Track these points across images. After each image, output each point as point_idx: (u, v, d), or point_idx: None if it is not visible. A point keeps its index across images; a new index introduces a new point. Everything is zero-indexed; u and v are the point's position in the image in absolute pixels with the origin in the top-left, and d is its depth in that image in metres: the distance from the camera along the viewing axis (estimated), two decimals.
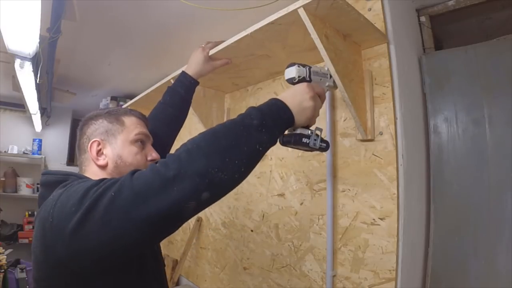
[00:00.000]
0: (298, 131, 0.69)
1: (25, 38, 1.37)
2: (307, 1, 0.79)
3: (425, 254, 1.09)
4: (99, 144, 0.72)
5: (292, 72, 0.76)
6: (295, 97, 0.67)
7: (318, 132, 0.72)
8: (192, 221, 1.96)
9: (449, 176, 1.09)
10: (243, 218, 1.53)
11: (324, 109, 1.16)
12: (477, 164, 1.03)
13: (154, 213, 0.47)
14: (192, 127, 2.08)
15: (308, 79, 0.76)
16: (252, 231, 1.47)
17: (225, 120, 1.66)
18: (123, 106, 2.41)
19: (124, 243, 0.49)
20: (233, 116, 0.69)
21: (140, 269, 0.64)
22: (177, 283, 1.96)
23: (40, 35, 1.32)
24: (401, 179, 0.95)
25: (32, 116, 3.18)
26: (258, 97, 1.52)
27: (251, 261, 1.46)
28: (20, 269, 2.61)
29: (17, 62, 1.63)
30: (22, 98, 2.54)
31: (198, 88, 1.59)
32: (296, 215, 1.25)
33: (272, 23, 0.93)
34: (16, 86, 2.23)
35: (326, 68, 0.85)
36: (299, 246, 1.22)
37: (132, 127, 0.75)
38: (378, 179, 0.99)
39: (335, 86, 0.88)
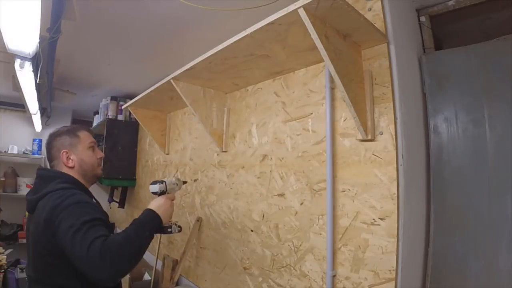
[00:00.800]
0: (165, 225, 1.11)
1: (25, 38, 1.37)
2: (307, 1, 0.79)
3: (425, 254, 1.09)
4: (67, 153, 1.12)
5: (155, 188, 1.18)
6: (161, 208, 1.08)
7: (175, 222, 1.16)
8: (192, 221, 1.97)
9: (449, 176, 1.09)
10: (243, 218, 1.53)
11: (324, 109, 1.16)
12: (477, 164, 1.03)
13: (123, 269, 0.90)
14: (192, 127, 2.08)
15: (166, 191, 1.19)
16: (252, 231, 1.47)
17: (224, 120, 1.68)
18: (123, 106, 2.41)
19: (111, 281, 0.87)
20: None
21: None
22: (177, 283, 1.96)
23: (40, 35, 1.32)
24: (401, 179, 0.95)
25: (32, 116, 3.18)
26: (258, 97, 1.52)
27: (251, 261, 1.46)
28: (20, 269, 2.62)
29: (17, 62, 1.63)
30: (22, 98, 2.54)
31: (198, 88, 1.60)
32: (296, 215, 1.25)
33: (272, 23, 0.93)
34: (16, 86, 2.24)
35: (174, 179, 1.26)
36: (299, 246, 1.22)
37: (85, 138, 1.17)
38: (378, 179, 0.99)
39: (178, 186, 1.29)
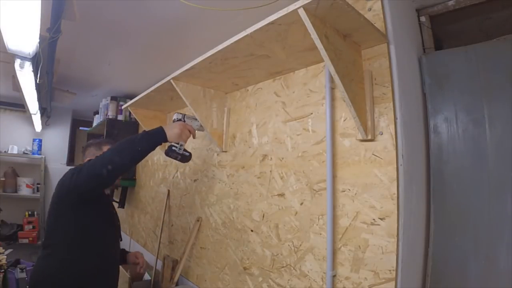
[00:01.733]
0: (171, 144, 1.24)
1: (25, 38, 1.37)
2: (307, 1, 0.79)
3: (425, 254, 1.09)
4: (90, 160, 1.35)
5: (174, 116, 1.41)
6: (170, 126, 1.27)
7: (182, 144, 1.26)
8: (192, 221, 1.97)
9: (449, 176, 1.09)
10: (243, 218, 1.53)
11: (324, 109, 1.16)
12: (477, 164, 1.03)
13: (94, 173, 1.13)
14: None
15: (183, 120, 1.37)
16: (252, 231, 1.47)
17: (224, 120, 1.68)
18: (123, 106, 2.41)
19: (87, 186, 1.16)
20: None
21: (98, 211, 1.32)
22: (177, 283, 1.96)
23: (40, 35, 1.32)
24: (401, 179, 0.95)
25: (32, 116, 3.19)
26: (258, 97, 1.52)
27: (251, 261, 1.46)
28: (20, 269, 2.61)
29: (17, 62, 1.63)
30: (22, 98, 2.54)
31: (198, 88, 1.60)
32: (296, 215, 1.25)
33: (272, 23, 0.92)
34: (16, 86, 2.24)
35: (194, 116, 1.45)
36: (299, 246, 1.22)
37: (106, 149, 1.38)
38: (378, 179, 0.99)
39: (201, 128, 1.47)
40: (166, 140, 1.23)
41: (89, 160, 1.23)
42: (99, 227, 1.30)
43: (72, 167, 1.29)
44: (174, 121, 1.32)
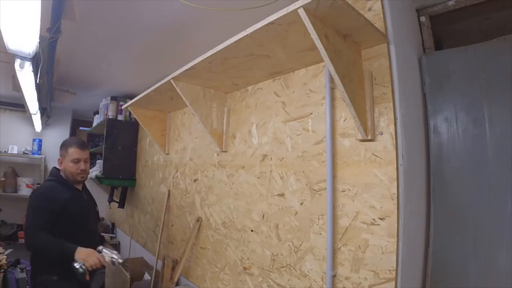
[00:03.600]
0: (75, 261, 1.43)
1: (25, 38, 1.37)
2: (307, 1, 0.79)
3: (425, 254, 1.09)
4: (60, 160, 1.67)
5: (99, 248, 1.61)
6: (84, 250, 1.47)
7: (84, 265, 1.43)
8: (192, 221, 1.97)
9: (449, 176, 1.09)
10: (243, 218, 1.53)
11: (324, 109, 1.16)
12: (477, 164, 1.03)
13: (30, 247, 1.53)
14: (192, 127, 2.08)
15: (99, 252, 1.54)
16: (252, 231, 1.47)
17: (224, 120, 1.68)
18: (123, 106, 2.42)
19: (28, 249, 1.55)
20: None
21: (67, 221, 1.55)
22: (177, 283, 1.96)
23: (40, 35, 1.32)
24: (401, 179, 0.95)
25: (32, 116, 3.19)
26: (258, 97, 1.52)
27: (251, 261, 1.46)
28: (20, 269, 2.61)
29: (17, 62, 1.63)
30: (22, 98, 2.54)
31: (198, 88, 1.60)
32: (296, 215, 1.25)
33: (272, 23, 0.92)
34: (16, 86, 2.24)
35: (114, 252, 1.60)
36: (299, 246, 1.22)
37: (72, 154, 1.62)
38: (378, 179, 0.99)
39: (115, 262, 1.56)
40: (73, 258, 1.43)
41: (59, 159, 1.66)
42: (73, 234, 1.52)
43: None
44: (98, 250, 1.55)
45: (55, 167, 1.68)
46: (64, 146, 1.65)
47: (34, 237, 1.44)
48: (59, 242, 1.44)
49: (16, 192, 3.64)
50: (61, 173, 1.64)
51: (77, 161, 1.62)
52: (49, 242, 1.43)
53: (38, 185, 3.82)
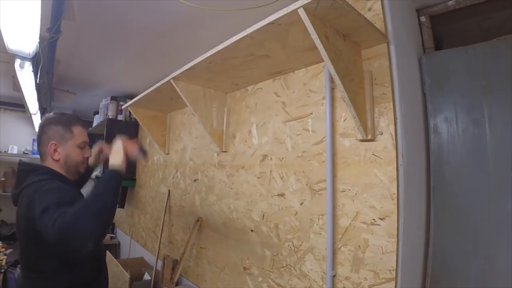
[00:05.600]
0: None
1: (25, 38, 1.37)
2: (307, 1, 0.79)
3: (425, 254, 1.09)
4: (55, 145, 1.11)
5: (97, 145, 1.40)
6: (116, 161, 1.07)
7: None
8: (192, 221, 1.97)
9: (449, 176, 1.09)
10: (243, 218, 1.53)
11: (324, 109, 1.16)
12: (477, 164, 1.03)
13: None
14: (192, 127, 2.08)
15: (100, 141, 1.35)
16: (252, 231, 1.47)
17: (224, 120, 1.68)
18: (123, 106, 2.41)
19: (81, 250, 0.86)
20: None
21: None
22: (177, 283, 1.96)
23: (40, 35, 1.32)
24: (401, 179, 0.95)
25: (32, 116, 3.19)
26: (258, 97, 1.52)
27: (251, 261, 1.46)
28: (20, 269, 2.61)
29: (17, 62, 1.63)
30: (22, 98, 2.54)
31: (198, 88, 1.60)
32: (296, 215, 1.25)
33: (272, 23, 0.92)
34: (16, 86, 2.24)
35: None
36: (299, 246, 1.22)
37: (79, 136, 1.15)
38: (378, 179, 0.99)
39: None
40: (123, 173, 1.06)
41: (52, 145, 1.09)
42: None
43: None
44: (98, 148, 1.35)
45: (44, 166, 1.13)
46: (63, 124, 1.12)
47: (80, 218, 0.84)
48: (94, 187, 0.95)
49: None
50: (56, 168, 1.12)
51: (83, 145, 1.17)
52: (82, 207, 0.87)
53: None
